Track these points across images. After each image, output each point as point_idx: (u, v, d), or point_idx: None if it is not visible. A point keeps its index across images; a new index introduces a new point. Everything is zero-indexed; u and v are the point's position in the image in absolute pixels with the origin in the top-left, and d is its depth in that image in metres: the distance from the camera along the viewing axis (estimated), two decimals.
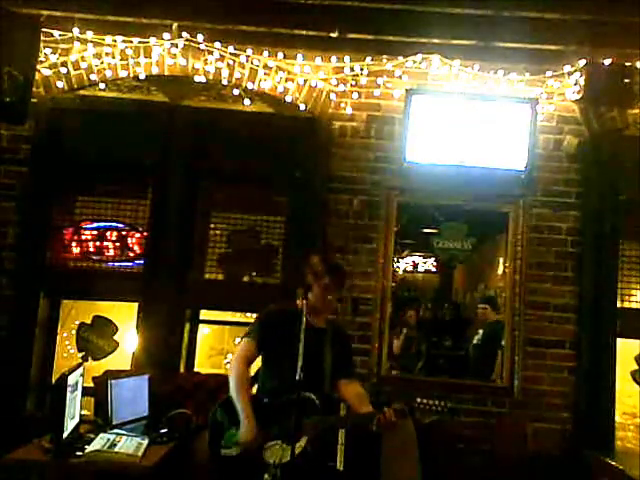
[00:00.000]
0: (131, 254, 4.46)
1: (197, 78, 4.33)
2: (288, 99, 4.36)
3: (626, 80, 4.11)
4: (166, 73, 4.35)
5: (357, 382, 2.98)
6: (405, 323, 5.43)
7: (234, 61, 4.31)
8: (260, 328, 2.95)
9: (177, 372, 4.27)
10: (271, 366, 2.94)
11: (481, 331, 5.19)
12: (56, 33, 4.21)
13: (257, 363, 2.97)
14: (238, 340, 3.13)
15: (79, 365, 3.40)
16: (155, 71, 4.32)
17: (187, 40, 4.23)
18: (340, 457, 2.43)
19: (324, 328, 2.98)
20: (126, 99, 4.42)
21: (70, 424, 3.11)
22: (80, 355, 4.27)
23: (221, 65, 4.31)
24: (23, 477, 2.95)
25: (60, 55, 4.32)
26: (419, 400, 2.57)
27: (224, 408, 2.85)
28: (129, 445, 3.10)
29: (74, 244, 4.47)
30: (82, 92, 4.40)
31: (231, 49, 4.28)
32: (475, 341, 5.25)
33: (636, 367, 4.25)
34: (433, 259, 7.68)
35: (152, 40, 4.25)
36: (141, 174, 4.52)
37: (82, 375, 3.37)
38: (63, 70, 4.34)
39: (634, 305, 4.43)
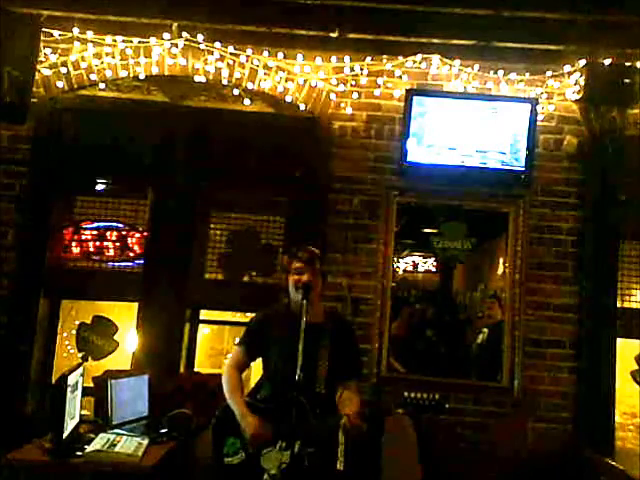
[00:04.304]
0: (131, 254, 4.46)
1: (197, 78, 4.33)
2: (288, 99, 4.36)
3: (626, 80, 4.11)
4: (166, 73, 4.35)
5: (354, 385, 2.86)
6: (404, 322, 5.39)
7: (234, 61, 4.31)
8: (247, 334, 2.99)
9: (177, 372, 4.27)
10: (266, 370, 2.93)
11: (486, 330, 5.16)
12: (56, 33, 4.21)
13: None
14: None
15: (79, 365, 3.40)
16: (155, 71, 4.32)
17: (187, 40, 4.23)
18: (340, 457, 2.38)
19: (320, 323, 2.84)
20: (126, 99, 4.42)
21: (70, 424, 3.11)
22: (80, 355, 4.26)
23: (221, 65, 4.31)
24: (23, 477, 2.95)
25: (60, 55, 4.31)
26: (406, 395, 2.51)
27: (222, 417, 2.81)
28: (129, 445, 3.10)
29: (74, 244, 4.47)
30: (82, 92, 4.39)
31: (231, 49, 4.28)
32: (479, 340, 5.21)
33: (636, 367, 4.24)
34: (433, 259, 7.66)
35: (152, 40, 4.24)
36: (141, 174, 4.52)
37: (82, 375, 3.37)
38: (63, 70, 4.33)
39: (634, 305, 4.43)
